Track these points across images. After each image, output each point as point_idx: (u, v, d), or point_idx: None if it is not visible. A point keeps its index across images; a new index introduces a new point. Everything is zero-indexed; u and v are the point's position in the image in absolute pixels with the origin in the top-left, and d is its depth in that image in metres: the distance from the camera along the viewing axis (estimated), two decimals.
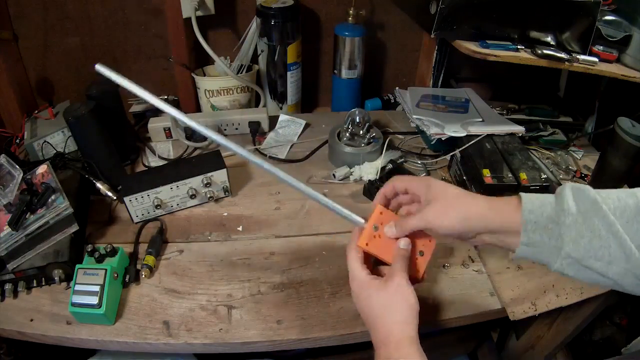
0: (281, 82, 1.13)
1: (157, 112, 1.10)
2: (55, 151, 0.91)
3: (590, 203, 0.45)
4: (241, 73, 1.11)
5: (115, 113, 0.89)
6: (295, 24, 1.06)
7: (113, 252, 0.68)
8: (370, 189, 0.87)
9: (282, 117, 1.10)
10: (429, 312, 0.66)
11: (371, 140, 0.95)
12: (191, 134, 1.00)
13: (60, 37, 1.06)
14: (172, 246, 0.77)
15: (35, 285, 0.68)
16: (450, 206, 0.51)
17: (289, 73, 1.11)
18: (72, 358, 0.84)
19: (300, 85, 1.17)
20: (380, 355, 0.49)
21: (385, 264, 0.56)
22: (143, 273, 0.69)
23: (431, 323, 0.66)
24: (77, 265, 0.64)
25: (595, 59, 0.81)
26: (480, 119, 0.96)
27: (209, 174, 0.82)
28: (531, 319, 0.73)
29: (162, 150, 1.00)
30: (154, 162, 0.97)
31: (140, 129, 1.06)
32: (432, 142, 0.99)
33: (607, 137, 0.82)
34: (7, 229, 0.65)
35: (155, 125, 1.01)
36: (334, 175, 0.92)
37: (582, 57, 0.81)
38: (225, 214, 0.84)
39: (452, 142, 0.93)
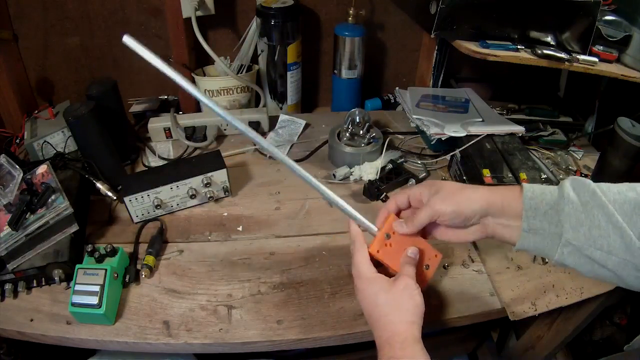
0: (281, 82, 1.13)
1: (157, 112, 1.10)
2: (55, 151, 0.91)
3: (589, 194, 0.47)
4: (241, 73, 1.11)
5: (115, 113, 0.89)
6: (295, 24, 1.06)
7: (113, 252, 0.68)
8: (370, 189, 0.87)
9: (282, 117, 1.10)
10: (430, 312, 0.66)
11: (371, 140, 0.95)
12: (191, 134, 1.00)
13: (60, 37, 1.06)
14: (172, 246, 0.77)
15: (35, 285, 0.68)
16: (454, 193, 0.53)
17: (289, 73, 1.11)
18: (72, 358, 0.85)
19: (300, 85, 1.17)
20: (384, 354, 0.49)
21: (388, 274, 0.56)
22: (143, 273, 0.69)
23: (431, 323, 0.66)
24: (77, 265, 0.64)
25: (595, 59, 0.81)
26: (480, 119, 0.96)
27: (209, 174, 0.82)
28: (531, 319, 0.73)
29: (162, 150, 1.00)
30: (154, 162, 0.97)
31: (140, 129, 1.06)
32: (432, 142, 0.99)
33: (607, 137, 0.82)
34: (7, 229, 0.65)
35: (155, 125, 1.01)
36: (334, 175, 0.92)
37: (582, 57, 0.81)
38: (225, 214, 0.84)
39: (452, 142, 0.93)
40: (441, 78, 1.13)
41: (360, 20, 1.07)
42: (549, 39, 0.84)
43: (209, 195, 0.84)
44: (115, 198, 0.79)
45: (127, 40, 0.47)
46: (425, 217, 0.54)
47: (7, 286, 0.66)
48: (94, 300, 0.61)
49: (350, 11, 1.04)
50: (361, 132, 0.95)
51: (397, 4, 1.06)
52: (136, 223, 0.80)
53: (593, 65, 0.80)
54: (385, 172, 0.92)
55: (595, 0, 0.79)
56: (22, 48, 1.06)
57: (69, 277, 0.68)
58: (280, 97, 1.17)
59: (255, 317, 0.65)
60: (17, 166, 0.72)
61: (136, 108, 1.11)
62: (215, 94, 1.09)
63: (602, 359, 0.61)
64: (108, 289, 0.62)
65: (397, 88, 1.10)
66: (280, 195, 0.88)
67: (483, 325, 1.13)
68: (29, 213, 0.67)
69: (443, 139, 0.91)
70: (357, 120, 0.96)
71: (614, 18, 0.83)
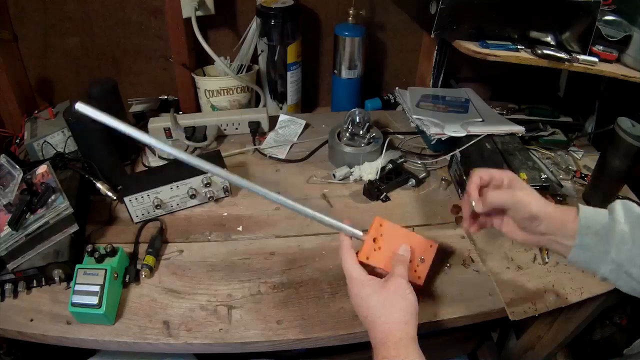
0: (281, 82, 1.13)
1: (157, 111, 1.10)
2: (55, 151, 0.91)
3: (635, 217, 0.51)
4: (241, 73, 1.11)
5: (115, 113, 0.88)
6: (295, 24, 1.06)
7: (113, 252, 0.68)
8: (370, 189, 0.87)
9: (282, 117, 1.10)
10: (429, 313, 0.66)
11: (371, 140, 0.95)
12: (191, 134, 1.00)
13: (60, 37, 1.06)
14: (172, 246, 0.77)
15: (35, 285, 0.68)
16: (535, 194, 0.56)
17: (289, 73, 1.11)
18: (72, 358, 0.84)
19: (300, 85, 1.17)
20: (379, 355, 0.49)
21: (381, 276, 0.56)
22: (143, 273, 0.69)
23: (431, 323, 0.66)
24: (77, 265, 0.64)
25: (595, 59, 0.81)
26: (480, 119, 0.96)
27: (209, 174, 0.82)
28: (531, 319, 0.73)
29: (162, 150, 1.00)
30: (154, 162, 0.97)
31: (140, 129, 1.06)
32: (432, 142, 0.99)
33: (607, 137, 0.82)
34: (7, 229, 0.65)
35: (155, 125, 1.01)
36: (334, 175, 0.92)
37: (582, 57, 0.81)
38: (225, 214, 0.84)
39: (452, 142, 0.93)
40: (441, 78, 1.13)
41: (360, 20, 1.07)
42: (549, 39, 0.84)
43: (209, 195, 0.84)
44: (115, 198, 0.79)
45: (81, 106, 0.50)
46: (504, 200, 0.55)
47: (7, 286, 0.66)
48: (94, 300, 0.61)
49: (350, 11, 1.04)
50: (361, 132, 0.95)
51: (397, 4, 1.06)
52: (136, 223, 0.80)
53: (593, 65, 0.80)
54: (385, 172, 0.92)
55: (595, 0, 0.78)
56: (22, 48, 1.06)
57: (69, 277, 0.68)
58: (280, 97, 1.17)
59: (255, 317, 0.65)
60: (17, 166, 0.72)
61: (136, 108, 1.11)
62: (215, 94, 1.09)
63: None
64: (108, 289, 0.62)
65: (397, 88, 1.10)
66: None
67: (483, 325, 1.13)
68: (29, 213, 0.67)
69: (443, 139, 0.91)
70: (357, 120, 0.96)
71: (614, 18, 0.83)
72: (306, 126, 1.09)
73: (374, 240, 0.59)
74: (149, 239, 0.76)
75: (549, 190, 0.83)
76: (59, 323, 0.64)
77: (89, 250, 0.67)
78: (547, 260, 0.75)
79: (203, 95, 1.10)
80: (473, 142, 0.89)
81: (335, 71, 1.14)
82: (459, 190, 0.90)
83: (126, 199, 0.77)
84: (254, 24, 1.07)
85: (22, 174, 0.71)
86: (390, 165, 0.94)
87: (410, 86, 1.11)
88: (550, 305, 0.68)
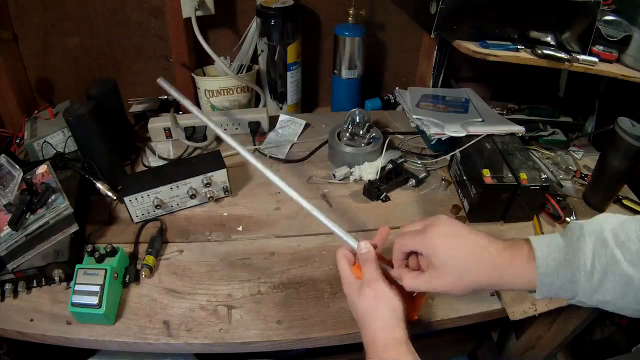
0: (281, 82, 1.13)
1: (157, 111, 1.10)
2: (55, 151, 0.91)
3: (608, 258, 0.44)
4: (241, 73, 1.11)
5: (115, 113, 0.89)
6: (295, 24, 1.06)
7: (113, 252, 0.68)
8: (370, 189, 0.87)
9: (282, 117, 1.10)
10: (429, 313, 0.66)
11: (371, 140, 0.95)
12: (191, 134, 1.00)
13: (60, 37, 1.06)
14: (172, 246, 0.77)
15: (35, 285, 0.68)
16: (458, 279, 0.49)
17: (289, 73, 1.11)
18: (72, 358, 0.85)
19: (300, 85, 1.17)
20: (370, 356, 0.49)
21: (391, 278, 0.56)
22: (143, 273, 0.69)
23: (431, 323, 0.66)
24: (77, 265, 0.64)
25: (595, 59, 0.81)
26: (480, 119, 0.96)
27: (209, 174, 0.82)
28: (531, 319, 0.73)
29: (162, 150, 1.00)
30: (154, 162, 0.97)
31: (140, 129, 1.06)
32: (432, 142, 0.99)
33: (607, 137, 0.82)
34: (7, 229, 0.65)
35: (155, 125, 1.01)
36: (334, 175, 0.92)
37: (582, 57, 0.81)
38: (225, 214, 0.84)
39: (452, 142, 0.93)
40: (441, 78, 1.13)
41: (360, 20, 1.07)
42: (549, 39, 0.84)
43: (209, 195, 0.84)
44: (115, 198, 0.79)
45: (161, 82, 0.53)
46: (423, 289, 0.52)
47: (7, 286, 0.66)
48: (94, 300, 0.61)
49: (350, 11, 1.04)
50: (361, 132, 0.95)
51: (397, 4, 1.06)
52: (136, 223, 0.80)
53: (593, 65, 0.80)
54: (385, 172, 0.92)
55: (595, 0, 0.78)
56: (22, 48, 1.06)
57: (69, 277, 0.68)
58: (280, 97, 1.17)
59: (255, 317, 0.65)
60: (17, 166, 0.72)
61: (136, 108, 1.11)
62: (215, 94, 1.09)
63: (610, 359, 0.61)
64: (108, 289, 0.62)
65: (397, 88, 1.10)
66: (280, 195, 0.88)
67: (483, 325, 1.13)
68: (29, 213, 0.67)
69: (443, 139, 0.91)
70: (357, 120, 0.96)
71: (614, 18, 0.83)
72: (306, 126, 1.09)
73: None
74: (149, 239, 0.76)
75: (549, 190, 0.83)
76: (59, 323, 0.64)
77: (89, 250, 0.67)
78: None
79: (203, 95, 1.10)
80: (473, 142, 0.88)
81: (335, 71, 1.14)
82: (459, 190, 0.90)
83: (126, 199, 0.77)
84: (254, 24, 1.07)
85: (22, 174, 0.71)
86: (390, 165, 0.94)
87: (410, 86, 1.11)
88: (550, 305, 0.68)
